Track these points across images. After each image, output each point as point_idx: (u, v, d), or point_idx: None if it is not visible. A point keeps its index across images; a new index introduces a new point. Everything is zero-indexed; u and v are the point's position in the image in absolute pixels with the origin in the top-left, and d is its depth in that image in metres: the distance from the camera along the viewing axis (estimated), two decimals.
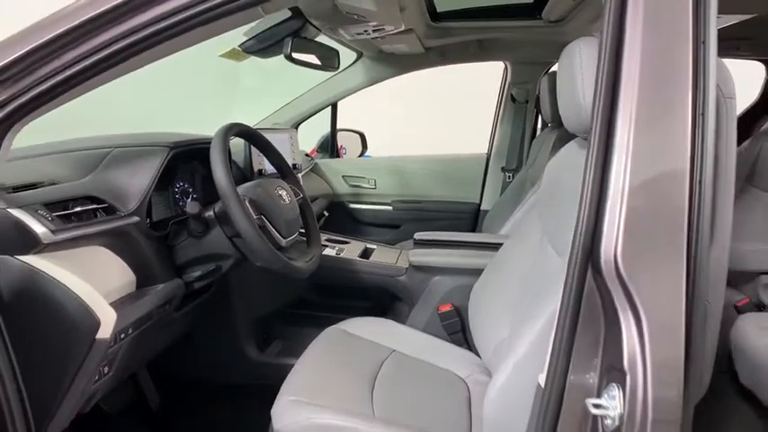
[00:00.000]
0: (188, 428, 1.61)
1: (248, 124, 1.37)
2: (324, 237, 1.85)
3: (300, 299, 1.87)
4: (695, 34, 0.71)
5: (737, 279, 2.03)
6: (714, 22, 0.74)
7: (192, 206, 1.17)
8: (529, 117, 2.45)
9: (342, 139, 2.88)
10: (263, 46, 1.59)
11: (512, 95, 2.42)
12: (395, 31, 1.69)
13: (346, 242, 1.84)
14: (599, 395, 0.72)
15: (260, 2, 0.85)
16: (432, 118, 4.08)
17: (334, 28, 1.63)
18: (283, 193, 1.28)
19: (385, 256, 1.75)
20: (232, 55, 1.70)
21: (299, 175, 1.98)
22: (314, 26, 1.61)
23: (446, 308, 1.55)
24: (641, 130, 0.69)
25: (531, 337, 0.93)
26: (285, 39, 1.53)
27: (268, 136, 1.43)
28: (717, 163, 0.82)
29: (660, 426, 0.67)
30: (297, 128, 2.50)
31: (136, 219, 1.12)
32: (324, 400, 1.11)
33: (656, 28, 0.71)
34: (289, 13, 1.53)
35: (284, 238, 1.23)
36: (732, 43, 2.05)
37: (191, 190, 1.42)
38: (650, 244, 0.69)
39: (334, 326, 1.44)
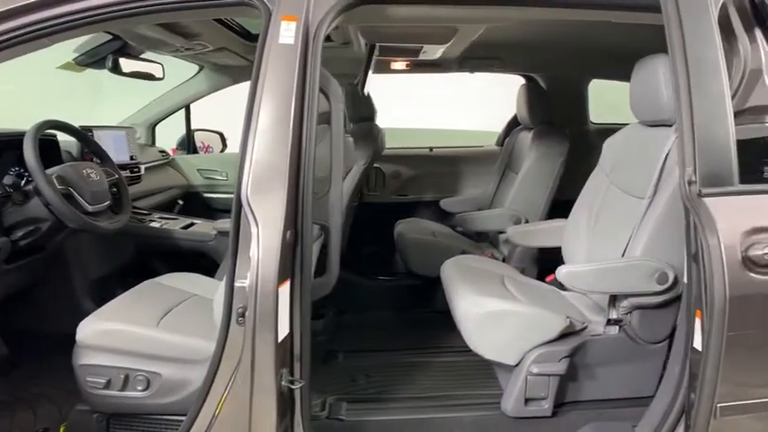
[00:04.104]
0: (31, 372, 1.94)
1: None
2: (156, 215, 2.27)
3: (135, 267, 2.25)
4: (301, 66, 1.24)
5: (494, 238, 2.68)
6: (318, 64, 1.27)
7: (8, 179, 1.56)
8: None
9: (203, 139, 3.29)
10: (91, 61, 1.99)
11: None
12: (206, 50, 2.16)
13: (174, 219, 2.27)
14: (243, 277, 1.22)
15: (46, 35, 1.29)
16: None
17: (151, 47, 2.07)
18: (92, 172, 1.70)
19: (202, 228, 2.20)
20: (69, 67, 2.08)
21: (142, 166, 2.39)
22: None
23: None
24: (264, 130, 1.21)
25: None
26: (107, 56, 1.95)
27: (107, 133, 1.83)
28: (332, 139, 1.36)
29: (264, 284, 1.17)
30: (154, 127, 2.90)
31: None
32: (118, 317, 1.53)
33: (275, 75, 1.22)
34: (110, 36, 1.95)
35: (90, 205, 1.65)
36: (486, 62, 2.71)
37: (13, 171, 1.78)
38: (264, 189, 1.20)
39: (151, 279, 1.85)
